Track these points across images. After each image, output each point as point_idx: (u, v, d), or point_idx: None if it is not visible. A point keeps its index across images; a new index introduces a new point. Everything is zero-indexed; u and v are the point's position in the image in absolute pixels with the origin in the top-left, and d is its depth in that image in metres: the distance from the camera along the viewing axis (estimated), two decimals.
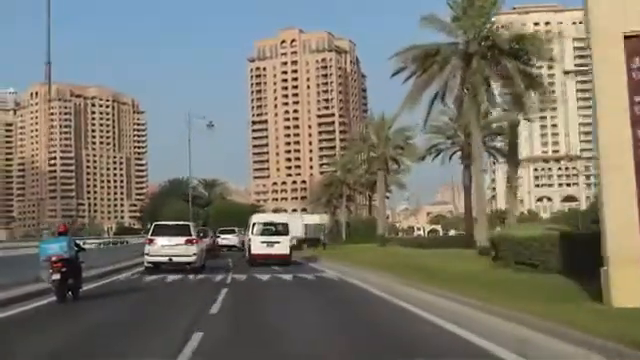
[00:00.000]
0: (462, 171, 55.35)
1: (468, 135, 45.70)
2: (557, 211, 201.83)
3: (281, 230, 33.69)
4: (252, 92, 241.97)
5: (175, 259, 26.86)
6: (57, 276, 15.37)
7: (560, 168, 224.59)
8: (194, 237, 27.98)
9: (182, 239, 27.24)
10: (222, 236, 50.80)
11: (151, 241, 27.52)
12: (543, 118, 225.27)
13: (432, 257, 32.41)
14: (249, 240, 33.65)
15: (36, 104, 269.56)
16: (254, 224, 34.01)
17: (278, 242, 32.69)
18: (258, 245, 32.48)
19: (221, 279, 23.87)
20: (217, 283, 22.30)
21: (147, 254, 27.30)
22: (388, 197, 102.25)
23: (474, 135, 37.13)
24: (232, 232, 54.99)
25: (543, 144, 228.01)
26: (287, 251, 32.90)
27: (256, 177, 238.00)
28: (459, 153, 58.71)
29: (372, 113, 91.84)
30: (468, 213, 52.72)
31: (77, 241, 17.57)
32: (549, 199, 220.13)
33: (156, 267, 27.05)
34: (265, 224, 34.34)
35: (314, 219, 65.91)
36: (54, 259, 15.45)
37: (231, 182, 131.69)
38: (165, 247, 26.94)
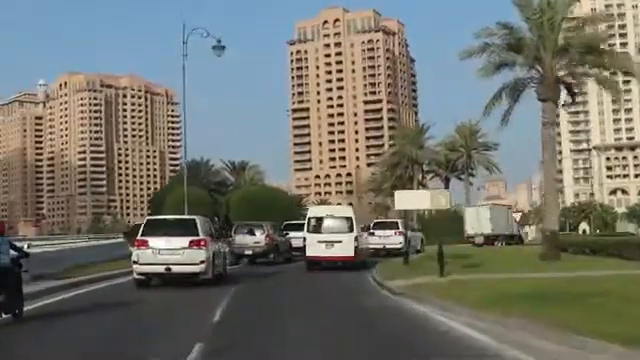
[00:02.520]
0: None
1: None
2: (634, 205, 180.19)
3: (344, 226, 27.51)
4: (292, 78, 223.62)
5: (175, 269, 19.68)
6: None
7: (636, 157, 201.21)
8: (202, 237, 20.12)
9: (185, 240, 19.81)
10: (292, 233, 38.06)
11: (141, 244, 20.09)
12: (615, 101, 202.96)
13: None
14: (304, 240, 28.47)
15: (65, 95, 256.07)
16: (309, 219, 28.71)
17: (339, 241, 26.97)
18: (314, 245, 27.25)
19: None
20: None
21: (136, 262, 20.02)
22: (471, 183, 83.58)
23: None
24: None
25: (616, 131, 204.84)
26: (351, 252, 26.86)
27: (297, 170, 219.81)
28: None
29: None
30: None
31: (15, 243, 13.75)
32: (624, 192, 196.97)
33: (149, 280, 20.25)
34: (323, 219, 28.21)
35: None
36: None
37: (271, 177, 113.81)
38: (161, 252, 19.70)
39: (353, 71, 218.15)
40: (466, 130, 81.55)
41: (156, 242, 19.74)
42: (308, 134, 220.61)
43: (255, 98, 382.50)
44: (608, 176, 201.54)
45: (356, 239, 26.90)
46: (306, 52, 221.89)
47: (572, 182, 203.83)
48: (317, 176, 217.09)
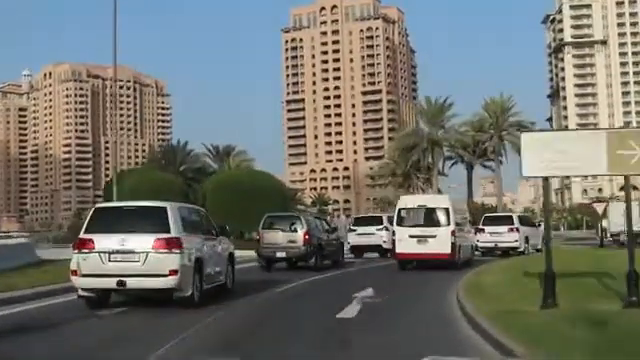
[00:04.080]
0: None
1: None
2: None
3: (439, 218, 23.82)
4: (287, 67, 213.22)
5: (132, 282, 13.37)
6: None
7: None
8: (176, 234, 13.48)
9: (148, 239, 13.37)
10: (359, 229, 34.01)
11: (83, 244, 13.66)
12: (626, 94, 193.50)
13: None
14: (392, 234, 25.31)
15: (50, 85, 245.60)
16: (399, 210, 24.77)
17: (433, 236, 23.47)
18: (405, 241, 23.71)
19: None
20: None
21: (75, 272, 13.64)
22: (493, 169, 73.41)
23: None
24: (376, 222, 34.45)
25: (626, 124, 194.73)
26: (447, 249, 23.07)
27: (292, 164, 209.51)
28: None
29: None
30: None
31: None
32: (635, 187, 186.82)
33: (105, 298, 14.18)
34: (414, 210, 24.63)
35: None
36: None
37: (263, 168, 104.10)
38: (112, 257, 13.39)
39: (351, 60, 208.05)
40: (497, 106, 71.01)
41: (105, 242, 13.51)
42: (303, 126, 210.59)
43: (250, 89, 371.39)
44: None
45: (453, 233, 23.53)
46: (301, 40, 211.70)
47: (580, 178, 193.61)
48: (312, 170, 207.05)
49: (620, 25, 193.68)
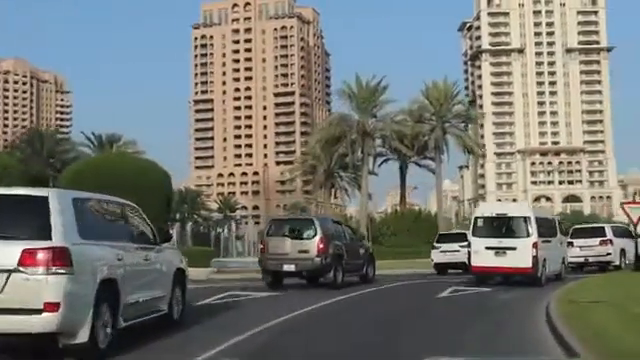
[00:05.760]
0: None
1: None
2: (559, 213, 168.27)
3: (519, 228, 21.91)
4: (196, 65, 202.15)
5: None
6: None
7: (561, 162, 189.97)
8: (60, 242, 8.58)
9: (12, 250, 8.46)
10: (442, 246, 31.85)
11: None
12: (542, 104, 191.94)
13: None
14: (469, 244, 23.42)
15: None
16: (476, 219, 23.03)
17: (513, 248, 21.41)
18: (481, 253, 21.67)
19: None
20: None
21: None
22: (433, 169, 64.73)
23: None
24: (460, 238, 32.11)
25: (541, 134, 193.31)
26: (528, 263, 20.97)
27: (198, 167, 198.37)
28: None
29: None
30: None
31: None
32: (548, 199, 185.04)
33: None
34: (492, 219, 22.62)
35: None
36: None
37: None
38: None
39: (264, 60, 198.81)
40: (439, 92, 60.79)
41: None
42: (211, 128, 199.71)
43: (156, 88, 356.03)
44: (532, 182, 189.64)
45: (535, 245, 21.11)
46: (212, 37, 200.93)
47: (495, 187, 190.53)
48: (220, 174, 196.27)
49: (537, 34, 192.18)
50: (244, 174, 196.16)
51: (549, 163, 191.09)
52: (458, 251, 31.01)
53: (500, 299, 17.66)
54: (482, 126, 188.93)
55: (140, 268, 10.51)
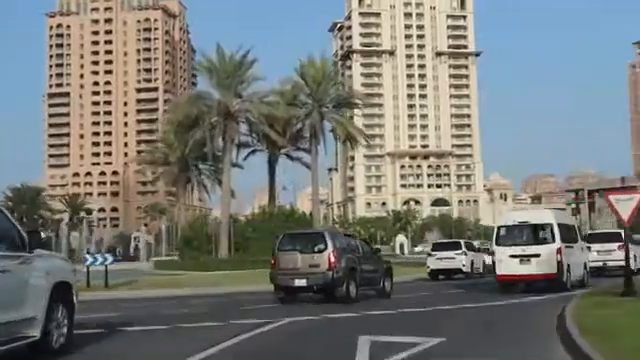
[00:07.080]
0: None
1: None
2: (427, 217, 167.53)
3: (543, 235, 22.33)
4: (51, 56, 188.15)
5: None
6: None
7: (430, 166, 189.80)
8: None
9: None
10: (438, 254, 33.98)
11: None
12: (412, 107, 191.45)
13: None
14: (492, 253, 23.76)
15: None
16: (499, 228, 23.45)
17: (537, 255, 21.62)
18: (505, 261, 21.81)
19: None
20: None
21: None
22: (308, 164, 56.40)
23: None
24: (455, 247, 34.63)
25: (411, 137, 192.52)
26: (553, 269, 21.26)
27: (52, 166, 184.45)
28: None
29: None
30: None
31: None
32: (417, 202, 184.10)
33: None
34: (516, 227, 23.05)
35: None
36: None
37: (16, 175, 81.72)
38: None
39: (125, 54, 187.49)
40: (316, 71, 52.78)
41: None
42: (67, 124, 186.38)
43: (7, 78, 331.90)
44: (402, 185, 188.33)
45: (559, 252, 21.42)
46: (69, 27, 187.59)
47: (364, 190, 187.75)
48: (76, 174, 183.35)
49: (408, 37, 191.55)
50: (102, 174, 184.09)
51: (418, 166, 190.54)
52: (454, 258, 33.08)
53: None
54: (352, 117, 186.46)
55: None
